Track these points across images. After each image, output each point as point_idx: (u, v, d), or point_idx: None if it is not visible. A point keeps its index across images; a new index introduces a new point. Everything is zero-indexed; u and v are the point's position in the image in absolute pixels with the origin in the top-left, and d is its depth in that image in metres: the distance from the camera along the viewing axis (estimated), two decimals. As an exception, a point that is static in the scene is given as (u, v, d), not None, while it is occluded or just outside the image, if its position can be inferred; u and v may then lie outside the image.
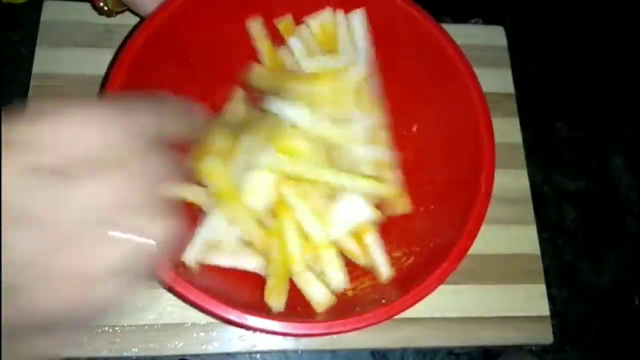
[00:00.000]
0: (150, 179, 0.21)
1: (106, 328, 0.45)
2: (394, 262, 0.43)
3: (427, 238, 0.43)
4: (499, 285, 0.51)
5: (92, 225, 0.19)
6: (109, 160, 0.20)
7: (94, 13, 0.53)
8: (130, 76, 0.38)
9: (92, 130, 0.20)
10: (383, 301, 0.37)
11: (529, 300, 0.51)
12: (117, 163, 0.20)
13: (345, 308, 0.39)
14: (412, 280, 0.38)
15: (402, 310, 0.36)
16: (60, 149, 0.19)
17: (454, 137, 0.45)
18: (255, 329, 0.35)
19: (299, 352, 0.48)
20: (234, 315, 0.34)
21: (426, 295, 0.36)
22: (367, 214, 0.41)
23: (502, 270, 0.52)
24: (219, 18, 0.44)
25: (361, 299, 0.41)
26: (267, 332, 0.35)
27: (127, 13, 0.52)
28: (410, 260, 0.43)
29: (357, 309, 0.38)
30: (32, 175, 0.18)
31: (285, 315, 0.37)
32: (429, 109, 0.47)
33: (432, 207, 0.45)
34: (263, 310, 0.37)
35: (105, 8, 0.50)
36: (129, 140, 0.21)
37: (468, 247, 0.38)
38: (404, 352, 0.50)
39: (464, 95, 0.43)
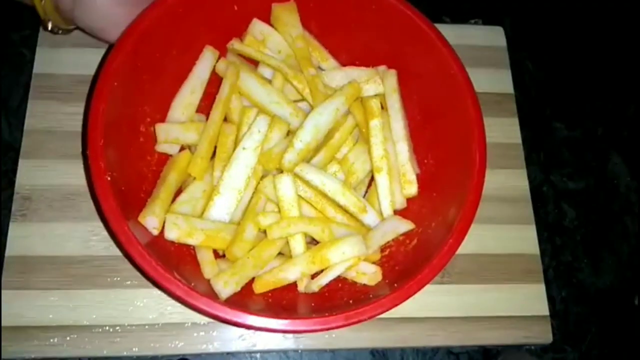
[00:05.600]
0: None
1: (107, 327, 0.45)
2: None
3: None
4: (499, 285, 0.51)
5: None
6: None
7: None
8: (113, 96, 0.38)
9: None
10: (387, 291, 0.38)
11: (529, 300, 0.51)
12: None
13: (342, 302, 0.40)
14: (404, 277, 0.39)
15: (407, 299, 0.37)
16: None
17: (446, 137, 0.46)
18: (257, 329, 0.35)
19: (299, 351, 0.49)
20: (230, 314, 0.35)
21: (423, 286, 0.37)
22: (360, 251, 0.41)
23: (502, 270, 0.52)
24: (188, 37, 0.45)
25: (355, 294, 0.42)
26: (267, 330, 0.35)
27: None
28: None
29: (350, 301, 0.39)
30: None
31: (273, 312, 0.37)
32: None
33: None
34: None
35: (49, 26, 0.47)
36: None
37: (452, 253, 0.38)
38: (403, 351, 0.50)
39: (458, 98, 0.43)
